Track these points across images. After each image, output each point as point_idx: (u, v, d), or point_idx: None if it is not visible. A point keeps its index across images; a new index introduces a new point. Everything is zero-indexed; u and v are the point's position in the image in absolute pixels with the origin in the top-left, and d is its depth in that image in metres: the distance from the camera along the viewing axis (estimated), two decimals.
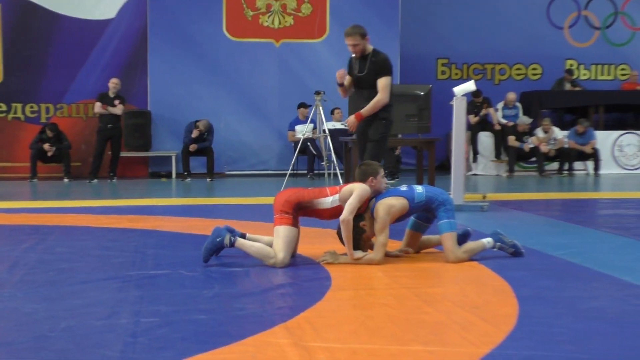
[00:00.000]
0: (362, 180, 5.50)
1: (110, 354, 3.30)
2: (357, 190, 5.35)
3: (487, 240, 5.58)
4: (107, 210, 8.72)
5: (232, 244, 5.33)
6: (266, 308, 4.14)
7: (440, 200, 5.49)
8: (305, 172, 13.68)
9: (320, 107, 11.61)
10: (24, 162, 13.48)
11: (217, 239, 5.33)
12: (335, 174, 11.35)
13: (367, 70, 6.62)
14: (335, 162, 11.56)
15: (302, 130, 12.22)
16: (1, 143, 13.89)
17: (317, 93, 11.74)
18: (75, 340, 3.52)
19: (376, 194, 5.54)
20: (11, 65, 13.96)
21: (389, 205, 5.36)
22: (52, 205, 9.33)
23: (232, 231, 5.41)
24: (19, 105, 14.02)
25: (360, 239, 5.42)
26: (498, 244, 5.60)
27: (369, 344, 3.46)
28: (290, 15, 14.36)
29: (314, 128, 12.30)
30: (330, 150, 11.61)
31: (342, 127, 13.09)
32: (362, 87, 6.69)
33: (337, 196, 5.39)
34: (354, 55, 6.79)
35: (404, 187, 5.60)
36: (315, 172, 13.61)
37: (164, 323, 3.79)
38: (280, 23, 14.40)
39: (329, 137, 11.50)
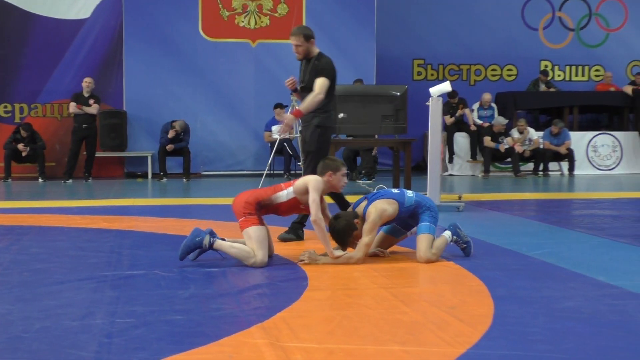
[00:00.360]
0: (322, 173, 5.55)
1: (85, 355, 3.28)
2: (311, 184, 5.41)
3: (447, 234, 5.62)
4: (83, 211, 8.66)
5: (210, 245, 5.32)
6: (243, 308, 4.13)
7: (428, 206, 5.58)
8: (282, 172, 13.67)
9: (297, 108, 11.60)
10: None
11: (197, 238, 5.32)
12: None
13: (308, 74, 6.55)
14: None
15: (279, 131, 12.20)
16: None
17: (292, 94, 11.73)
18: (50, 341, 3.50)
19: (331, 190, 5.62)
20: None
21: (382, 209, 5.40)
22: (26, 206, 9.25)
23: (212, 234, 5.40)
24: None
25: (351, 236, 5.43)
26: (454, 237, 5.64)
27: (346, 344, 3.46)
28: (266, 16, 14.35)
29: (291, 128, 12.30)
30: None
31: None
32: (305, 91, 6.64)
33: (291, 189, 5.47)
34: (297, 56, 6.67)
35: (395, 190, 5.67)
36: (292, 172, 13.60)
37: (139, 324, 3.77)
38: (256, 23, 14.38)
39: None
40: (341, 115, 10.12)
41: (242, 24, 14.34)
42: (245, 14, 14.34)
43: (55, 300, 4.28)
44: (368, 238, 5.38)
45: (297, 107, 6.54)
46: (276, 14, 14.39)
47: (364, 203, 5.55)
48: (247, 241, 5.33)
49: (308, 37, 6.58)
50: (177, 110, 13.88)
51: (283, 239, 6.35)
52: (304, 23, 14.30)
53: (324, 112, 6.58)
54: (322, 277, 4.96)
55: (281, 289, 4.64)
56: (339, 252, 5.41)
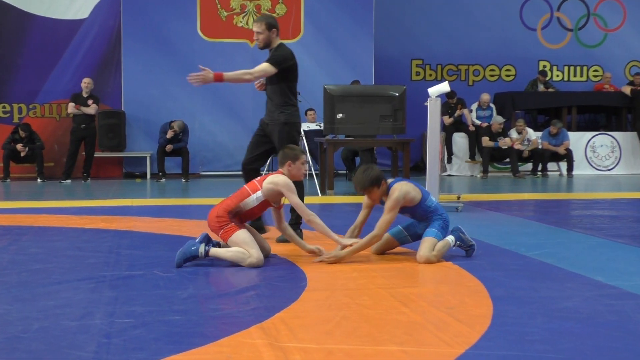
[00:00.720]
0: (281, 163, 5.58)
1: (84, 355, 3.28)
2: (283, 188, 5.40)
3: (450, 239, 5.64)
4: (81, 211, 8.66)
5: (206, 254, 5.32)
6: (241, 308, 4.13)
7: (443, 215, 5.65)
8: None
9: (222, 73, 11.62)
10: None
11: (192, 247, 5.32)
12: (310, 175, 11.35)
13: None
14: (311, 162, 11.56)
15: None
16: None
17: None
18: (49, 341, 3.49)
19: (293, 180, 5.57)
20: None
21: (406, 191, 5.48)
22: (25, 206, 9.25)
23: (207, 241, 5.40)
24: None
25: (374, 189, 5.46)
26: (457, 242, 5.66)
27: (345, 344, 3.46)
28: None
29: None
30: (305, 151, 11.61)
31: (317, 127, 13.10)
32: (267, 84, 6.59)
33: (259, 193, 5.44)
34: (258, 45, 6.57)
35: (425, 188, 5.78)
36: None
37: (138, 324, 3.77)
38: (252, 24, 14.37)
39: (304, 138, 11.51)
40: (340, 115, 10.13)
41: (240, 24, 14.34)
42: (244, 14, 14.34)
43: (54, 301, 4.28)
44: (389, 216, 5.44)
45: (221, 72, 6.26)
46: (274, 14, 14.38)
47: (390, 180, 5.63)
48: (237, 246, 5.33)
49: (270, 25, 6.44)
50: (175, 110, 13.88)
51: (282, 241, 6.33)
52: (302, 23, 14.33)
53: (290, 107, 6.48)
54: (320, 278, 4.96)
55: (280, 289, 4.64)
56: (347, 240, 5.46)
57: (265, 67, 6.34)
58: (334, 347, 3.40)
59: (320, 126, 12.71)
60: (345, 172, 13.83)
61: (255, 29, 6.47)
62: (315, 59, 14.25)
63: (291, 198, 5.40)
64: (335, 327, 3.72)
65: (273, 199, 5.47)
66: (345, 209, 9.08)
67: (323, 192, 10.58)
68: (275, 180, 5.45)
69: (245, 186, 5.56)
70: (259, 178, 5.58)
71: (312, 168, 11.34)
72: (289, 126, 6.47)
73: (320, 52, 14.34)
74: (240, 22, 14.33)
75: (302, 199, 6.06)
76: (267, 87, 6.56)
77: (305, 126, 12.62)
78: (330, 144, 10.67)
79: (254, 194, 5.44)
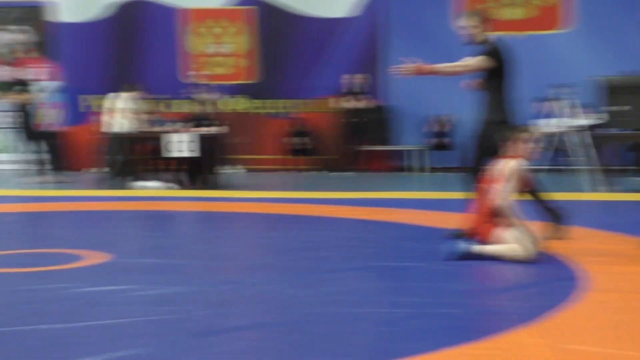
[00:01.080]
0: (505, 147, 5.51)
1: (363, 342, 3.37)
2: (506, 169, 5.33)
3: None
4: (352, 202, 8.95)
5: (473, 251, 5.26)
6: (519, 305, 4.04)
7: None
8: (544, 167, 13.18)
9: (565, 102, 11.24)
10: (274, 155, 14.24)
11: (459, 244, 5.31)
12: (583, 171, 10.88)
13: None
14: (585, 158, 11.10)
15: (548, 125, 11.89)
16: (255, 137, 14.70)
17: (562, 87, 11.41)
18: (332, 325, 3.63)
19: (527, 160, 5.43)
20: (265, 66, 14.79)
21: None
22: (309, 197, 9.73)
23: (473, 240, 5.35)
24: (271, 102, 14.79)
25: None
26: None
27: (634, 350, 3.23)
28: (533, 6, 13.92)
29: (559, 123, 11.93)
30: (578, 146, 11.18)
31: (591, 122, 12.52)
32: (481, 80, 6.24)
33: (503, 183, 5.30)
34: (469, 39, 6.20)
35: None
36: (555, 167, 13.00)
37: (416, 315, 3.80)
38: (521, 14, 14.00)
39: (576, 133, 11.12)
40: (617, 108, 9.67)
41: (508, 16, 14.03)
42: (511, 5, 14.03)
43: (337, 287, 4.46)
44: None
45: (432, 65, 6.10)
46: (546, 5, 13.94)
47: None
48: (506, 242, 5.22)
49: (484, 19, 6.15)
50: (443, 104, 13.86)
51: (548, 239, 6.03)
52: (576, 11, 13.75)
53: (505, 104, 6.21)
54: (606, 278, 4.67)
55: (559, 288, 4.42)
56: None
57: (480, 60, 6.08)
58: (621, 354, 3.19)
59: (595, 120, 12.13)
60: (627, 167, 12.97)
61: (467, 23, 6.21)
62: (591, 48, 13.59)
63: (501, 183, 5.26)
64: (623, 332, 3.49)
65: (517, 184, 5.35)
66: (625, 206, 8.55)
67: (597, 189, 10.09)
68: (505, 165, 5.38)
69: (488, 184, 5.44)
70: (493, 169, 5.45)
71: (587, 164, 10.88)
72: (505, 125, 6.10)
73: (596, 41, 13.64)
74: (509, 13, 14.01)
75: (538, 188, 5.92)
76: (480, 85, 6.33)
77: (577, 121, 12.11)
78: (605, 138, 10.17)
79: (500, 186, 5.32)
